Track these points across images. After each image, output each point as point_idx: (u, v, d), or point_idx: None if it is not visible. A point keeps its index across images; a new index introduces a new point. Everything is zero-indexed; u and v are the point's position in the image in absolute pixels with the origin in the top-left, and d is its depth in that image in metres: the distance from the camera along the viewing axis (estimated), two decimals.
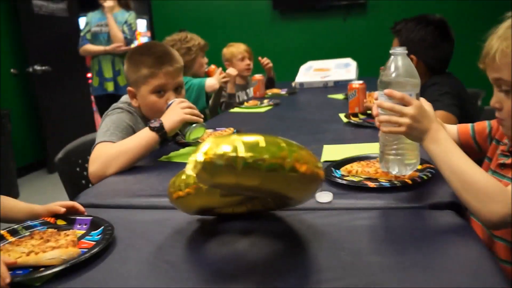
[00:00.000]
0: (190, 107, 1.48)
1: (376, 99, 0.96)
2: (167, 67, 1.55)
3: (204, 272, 0.72)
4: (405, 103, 0.90)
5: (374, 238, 0.80)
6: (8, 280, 0.69)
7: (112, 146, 1.42)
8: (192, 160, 0.56)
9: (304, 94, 3.10)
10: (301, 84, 3.36)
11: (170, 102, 1.52)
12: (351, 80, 3.11)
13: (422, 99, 0.96)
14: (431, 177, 1.02)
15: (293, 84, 3.38)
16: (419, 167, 1.11)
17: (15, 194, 3.86)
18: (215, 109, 2.86)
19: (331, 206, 0.94)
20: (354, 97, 1.99)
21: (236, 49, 3.16)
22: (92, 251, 0.77)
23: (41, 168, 4.66)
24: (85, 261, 0.75)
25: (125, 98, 1.67)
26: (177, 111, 1.45)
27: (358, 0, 4.62)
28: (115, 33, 3.60)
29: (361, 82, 2.04)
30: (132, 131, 1.53)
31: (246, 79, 3.22)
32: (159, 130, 1.41)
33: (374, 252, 0.74)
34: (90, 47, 3.73)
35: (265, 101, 2.65)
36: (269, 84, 3.36)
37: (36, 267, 0.74)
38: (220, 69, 2.66)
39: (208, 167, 0.55)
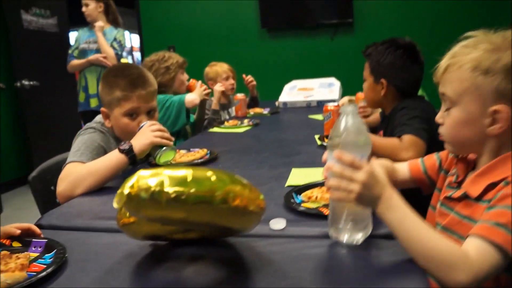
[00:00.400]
0: (160, 130, 1.50)
1: (325, 161, 0.90)
2: (140, 90, 1.57)
3: None
4: (355, 168, 0.82)
5: (319, 268, 0.81)
6: None
7: (81, 167, 1.43)
8: (119, 192, 0.58)
9: (287, 113, 3.14)
10: (285, 103, 3.40)
11: (141, 125, 1.54)
12: (334, 100, 3.15)
13: (374, 161, 0.91)
14: None
15: (276, 103, 3.42)
16: None
17: None
18: (200, 124, 2.87)
19: (284, 234, 0.95)
20: (329, 119, 2.02)
21: (220, 68, 3.20)
22: (38, 276, 0.78)
23: (26, 184, 4.63)
24: (31, 285, 0.76)
25: (99, 117, 1.69)
26: (147, 134, 1.47)
27: (345, 19, 4.69)
28: (106, 50, 3.62)
29: (336, 104, 2.07)
30: (104, 151, 1.55)
31: (229, 98, 3.25)
32: (129, 152, 1.42)
33: (314, 283, 0.75)
34: (75, 62, 3.75)
35: (245, 121, 2.67)
36: (253, 103, 3.39)
37: None
38: (200, 82, 2.69)
39: (133, 200, 0.57)
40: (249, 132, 2.41)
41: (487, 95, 0.87)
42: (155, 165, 1.60)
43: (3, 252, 0.89)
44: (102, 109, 1.63)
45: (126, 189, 0.58)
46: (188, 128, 2.78)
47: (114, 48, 3.67)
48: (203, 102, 2.73)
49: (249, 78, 3.35)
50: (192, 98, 2.53)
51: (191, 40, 5.08)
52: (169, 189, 0.57)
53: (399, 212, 0.81)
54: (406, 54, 1.77)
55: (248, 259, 0.85)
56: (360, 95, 2.61)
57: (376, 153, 1.56)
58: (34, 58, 4.69)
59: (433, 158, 1.14)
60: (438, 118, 0.98)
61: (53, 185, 1.68)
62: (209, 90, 2.71)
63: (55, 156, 1.79)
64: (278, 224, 0.96)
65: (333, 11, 4.74)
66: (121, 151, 1.42)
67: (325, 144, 1.82)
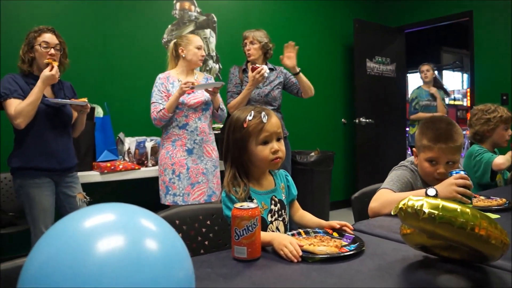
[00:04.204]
0: (465, 186, 1.65)
1: None
2: (441, 144, 1.81)
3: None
4: None
5: None
6: (300, 253, 1.23)
7: (391, 193, 1.83)
8: (396, 205, 0.95)
9: None
10: None
11: (452, 172, 1.73)
12: None
13: None
14: None
15: None
16: None
17: None
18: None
19: None
20: None
21: None
22: (343, 254, 1.23)
23: (347, 206, 5.38)
24: (338, 257, 1.22)
25: (411, 157, 2.06)
26: (450, 188, 1.66)
27: None
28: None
29: None
30: (411, 186, 1.90)
31: None
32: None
33: None
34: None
35: None
36: None
37: (311, 253, 1.24)
38: None
39: (403, 212, 0.93)
40: None
41: None
42: None
43: (326, 237, 1.39)
44: (414, 149, 1.99)
45: (401, 204, 0.94)
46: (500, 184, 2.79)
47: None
48: None
49: None
50: (500, 162, 2.58)
51: None
52: (426, 209, 0.90)
53: None
54: None
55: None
56: None
57: None
58: (372, 99, 5.47)
59: None
60: None
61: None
62: None
63: (375, 183, 2.17)
64: None
65: None
66: (427, 195, 1.73)
67: None
